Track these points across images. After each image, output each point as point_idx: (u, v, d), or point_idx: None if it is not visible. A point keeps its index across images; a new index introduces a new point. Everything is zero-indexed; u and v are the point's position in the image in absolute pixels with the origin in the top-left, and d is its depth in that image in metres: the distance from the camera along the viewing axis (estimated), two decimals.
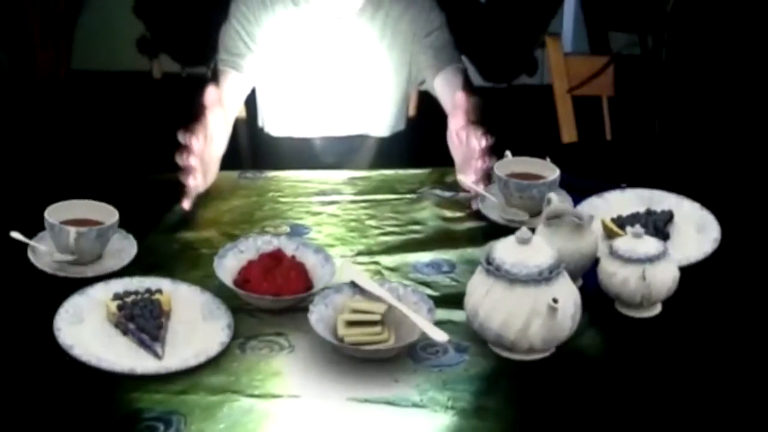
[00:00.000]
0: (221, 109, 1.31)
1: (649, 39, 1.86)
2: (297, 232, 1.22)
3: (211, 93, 1.26)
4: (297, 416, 0.85)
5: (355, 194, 1.35)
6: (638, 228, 1.01)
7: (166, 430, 0.81)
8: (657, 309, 1.02)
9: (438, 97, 1.54)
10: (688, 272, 1.02)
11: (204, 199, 1.33)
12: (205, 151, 1.24)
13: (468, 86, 1.56)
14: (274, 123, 1.69)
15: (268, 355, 0.94)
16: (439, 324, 0.97)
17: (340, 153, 1.67)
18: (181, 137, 1.20)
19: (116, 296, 0.99)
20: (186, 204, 1.24)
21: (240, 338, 0.96)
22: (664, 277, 0.98)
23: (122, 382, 0.88)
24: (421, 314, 0.95)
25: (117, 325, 0.96)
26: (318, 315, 0.95)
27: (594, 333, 0.99)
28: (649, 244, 0.99)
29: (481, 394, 0.88)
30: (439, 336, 0.91)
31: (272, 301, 1.01)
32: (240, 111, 1.80)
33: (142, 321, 0.95)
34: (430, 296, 1.02)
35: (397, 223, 1.26)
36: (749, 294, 1.06)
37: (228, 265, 1.06)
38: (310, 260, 1.09)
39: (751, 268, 1.11)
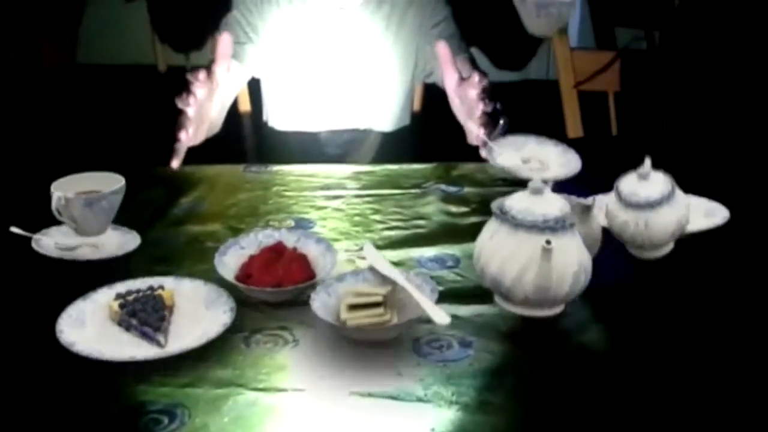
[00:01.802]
0: (228, 65, 1.25)
1: (655, 34, 1.86)
2: (301, 226, 1.23)
3: (224, 42, 1.21)
4: (301, 410, 0.85)
5: (360, 189, 1.35)
6: (646, 167, 0.99)
7: (170, 423, 0.82)
8: (668, 247, 1.00)
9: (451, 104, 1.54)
10: (694, 250, 1.01)
11: (209, 192, 1.33)
12: (204, 101, 1.20)
13: (485, 94, 1.56)
14: (278, 117, 1.69)
15: (273, 349, 0.94)
16: None
17: (344, 147, 1.67)
18: (189, 76, 1.16)
19: (118, 296, 0.99)
20: (175, 163, 1.19)
21: (244, 332, 0.96)
22: (667, 221, 0.96)
23: (127, 375, 0.88)
24: (424, 295, 0.95)
25: (120, 323, 0.96)
26: (320, 302, 0.95)
27: (599, 328, 0.99)
28: (652, 188, 0.97)
29: (485, 389, 0.88)
30: (441, 318, 0.91)
31: (274, 293, 1.01)
32: (245, 105, 1.80)
33: (145, 315, 0.95)
34: None
35: (401, 217, 1.26)
36: (757, 284, 1.06)
37: (229, 262, 1.06)
38: (312, 251, 1.09)
39: (759, 261, 1.11)
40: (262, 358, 0.92)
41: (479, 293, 1.04)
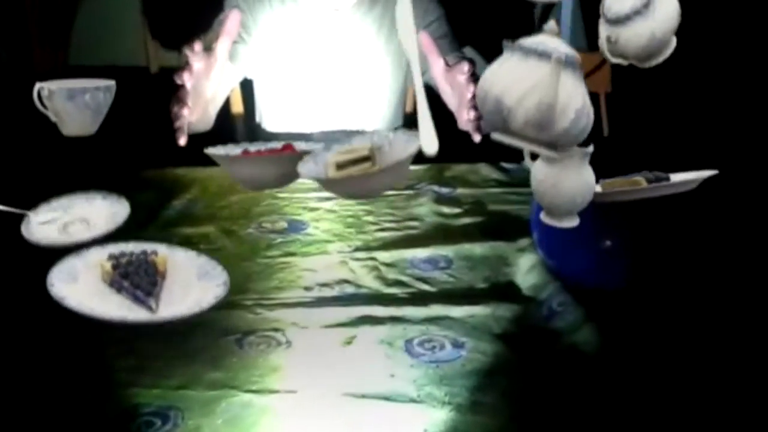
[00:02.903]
0: (230, 44, 1.19)
1: None
2: (294, 228, 1.23)
3: (233, 18, 1.16)
4: (294, 411, 0.85)
5: None
6: None
7: (163, 425, 0.82)
8: (659, 57, 0.99)
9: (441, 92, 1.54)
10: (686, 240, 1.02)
11: (201, 194, 1.33)
12: (201, 77, 1.15)
13: (474, 78, 1.56)
14: (271, 118, 1.70)
15: (266, 351, 0.94)
16: (436, 320, 0.97)
17: None
18: (186, 48, 1.12)
19: (111, 257, 0.98)
20: (182, 140, 1.12)
21: (237, 334, 0.96)
22: (636, 35, 0.95)
23: (119, 377, 0.88)
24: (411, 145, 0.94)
25: (111, 284, 0.96)
26: (307, 170, 0.94)
27: (591, 329, 0.99)
28: (625, 2, 0.97)
29: (477, 390, 0.88)
30: (429, 146, 0.90)
31: (247, 161, 0.99)
32: (237, 106, 1.80)
33: (137, 278, 0.94)
34: (427, 292, 1.02)
35: (394, 219, 1.26)
36: (752, 282, 1.06)
37: (232, 151, 1.05)
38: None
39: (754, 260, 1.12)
40: (255, 360, 0.92)
41: (472, 294, 1.04)
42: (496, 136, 0.90)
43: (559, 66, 0.85)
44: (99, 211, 1.14)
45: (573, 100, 0.88)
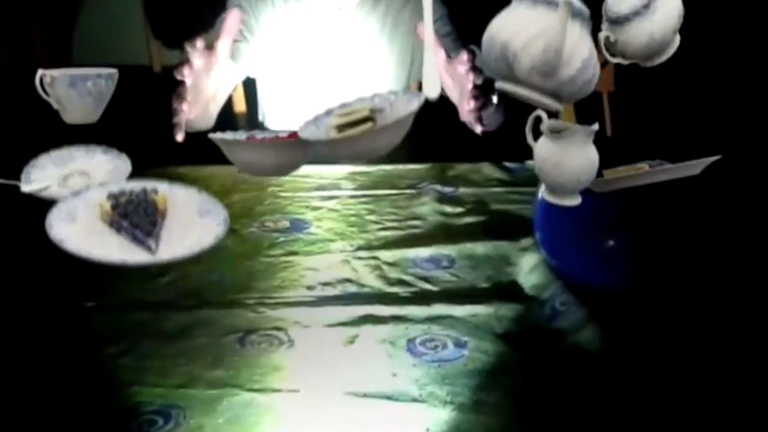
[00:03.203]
0: (231, 42, 1.18)
1: None
2: (297, 227, 1.23)
3: (233, 17, 1.16)
4: (296, 410, 0.85)
5: (355, 189, 1.36)
6: None
7: (165, 424, 0.82)
8: (660, 57, 0.99)
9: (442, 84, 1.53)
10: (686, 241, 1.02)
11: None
12: (201, 74, 1.15)
13: (474, 68, 1.55)
14: (273, 117, 1.70)
15: (268, 350, 0.94)
16: (439, 319, 0.97)
17: None
18: (187, 44, 1.12)
19: (110, 196, 0.97)
20: (179, 136, 1.12)
21: (239, 332, 0.96)
22: (636, 35, 0.95)
23: (121, 376, 0.88)
24: (412, 103, 0.93)
25: (111, 224, 0.94)
26: (308, 132, 0.94)
27: (593, 328, 0.99)
28: (625, 2, 0.97)
29: (480, 389, 0.88)
30: (431, 90, 0.89)
31: (246, 146, 0.98)
32: (240, 105, 1.80)
33: (137, 218, 0.93)
34: (430, 291, 1.02)
35: (396, 218, 1.26)
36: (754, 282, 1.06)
37: (240, 137, 1.05)
38: None
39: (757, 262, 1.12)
40: (257, 359, 0.92)
41: (474, 294, 1.04)
42: (501, 85, 0.89)
43: (567, 11, 0.84)
44: (99, 165, 1.13)
45: (579, 49, 0.87)
